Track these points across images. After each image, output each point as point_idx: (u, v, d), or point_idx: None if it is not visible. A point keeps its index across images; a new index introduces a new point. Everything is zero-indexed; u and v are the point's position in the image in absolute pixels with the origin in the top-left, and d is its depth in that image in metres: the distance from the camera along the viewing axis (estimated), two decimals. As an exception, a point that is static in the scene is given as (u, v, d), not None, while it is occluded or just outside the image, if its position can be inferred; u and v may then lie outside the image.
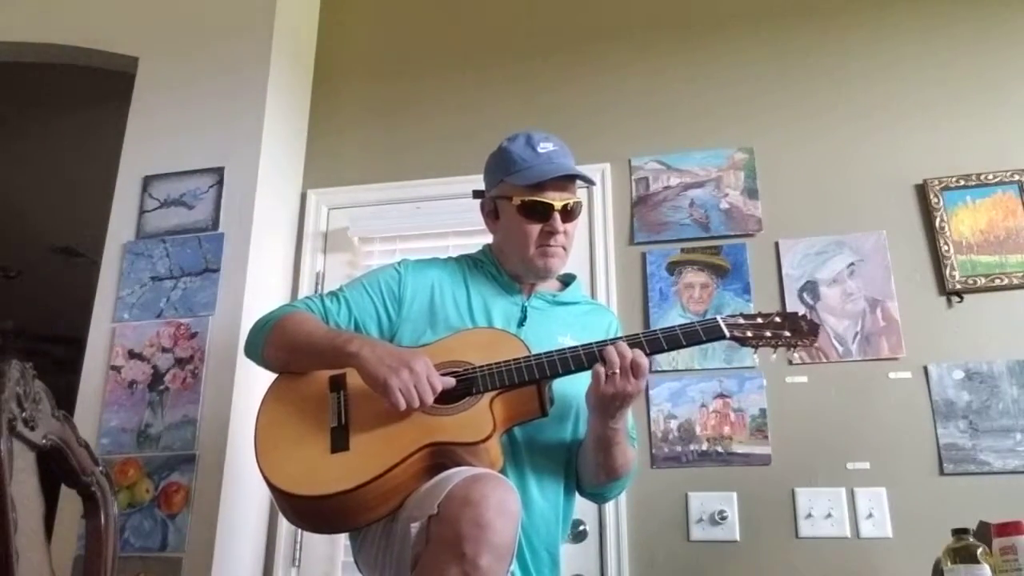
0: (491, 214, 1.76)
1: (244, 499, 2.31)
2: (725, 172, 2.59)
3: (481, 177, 1.80)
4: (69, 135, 4.03)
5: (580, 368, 1.51)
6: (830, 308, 2.38)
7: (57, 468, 1.31)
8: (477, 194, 1.80)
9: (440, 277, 1.73)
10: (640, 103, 2.73)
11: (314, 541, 2.40)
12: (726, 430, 2.32)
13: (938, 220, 2.40)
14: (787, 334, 1.57)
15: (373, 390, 1.45)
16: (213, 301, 2.45)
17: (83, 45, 2.87)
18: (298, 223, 2.81)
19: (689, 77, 2.73)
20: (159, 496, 2.27)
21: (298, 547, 2.42)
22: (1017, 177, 2.39)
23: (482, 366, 1.50)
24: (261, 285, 2.53)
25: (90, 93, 3.52)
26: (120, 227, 2.63)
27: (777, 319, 1.59)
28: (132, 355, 2.44)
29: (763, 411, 2.31)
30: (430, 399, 1.43)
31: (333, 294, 1.70)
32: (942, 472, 2.18)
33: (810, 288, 2.41)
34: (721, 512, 2.24)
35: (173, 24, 2.85)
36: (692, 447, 2.33)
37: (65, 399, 1.51)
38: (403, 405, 1.41)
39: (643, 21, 2.84)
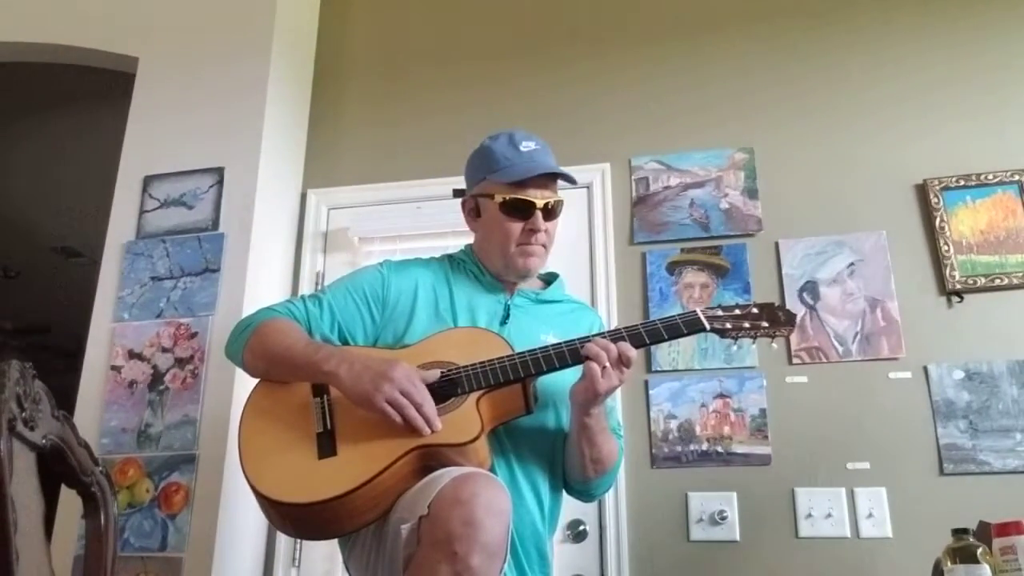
0: (472, 212, 1.76)
1: (244, 499, 2.28)
2: (725, 172, 2.59)
3: None
4: (69, 135, 4.02)
5: (564, 365, 1.51)
6: (830, 308, 2.38)
7: (57, 468, 1.30)
8: (457, 193, 1.80)
9: (423, 277, 1.72)
10: (640, 103, 2.73)
11: (314, 541, 2.40)
12: (726, 430, 2.32)
13: (938, 220, 2.40)
14: (765, 324, 1.58)
15: (360, 408, 1.45)
16: (213, 301, 2.45)
17: (83, 45, 2.87)
18: (298, 223, 2.81)
19: (689, 77, 2.73)
20: (159, 496, 2.27)
21: (298, 547, 2.43)
22: (1017, 177, 2.39)
23: (466, 366, 1.50)
24: (261, 285, 2.53)
25: (90, 93, 3.52)
26: (120, 227, 2.63)
27: (755, 310, 1.60)
28: (132, 355, 2.44)
29: (763, 411, 2.31)
30: (420, 398, 1.41)
31: (316, 298, 1.68)
32: (942, 472, 2.18)
33: (810, 288, 2.41)
34: (721, 512, 2.24)
35: (173, 24, 2.85)
36: (692, 447, 2.33)
37: (65, 399, 1.50)
38: (398, 419, 1.40)
39: (643, 21, 2.84)
